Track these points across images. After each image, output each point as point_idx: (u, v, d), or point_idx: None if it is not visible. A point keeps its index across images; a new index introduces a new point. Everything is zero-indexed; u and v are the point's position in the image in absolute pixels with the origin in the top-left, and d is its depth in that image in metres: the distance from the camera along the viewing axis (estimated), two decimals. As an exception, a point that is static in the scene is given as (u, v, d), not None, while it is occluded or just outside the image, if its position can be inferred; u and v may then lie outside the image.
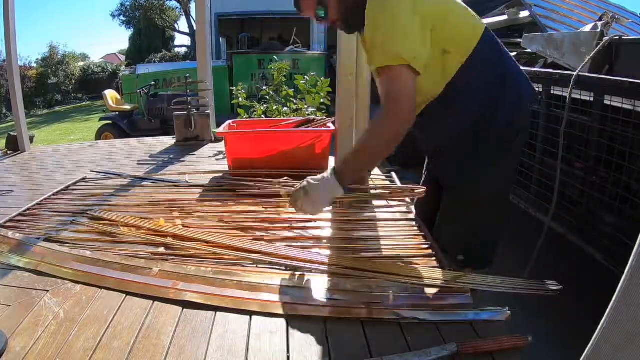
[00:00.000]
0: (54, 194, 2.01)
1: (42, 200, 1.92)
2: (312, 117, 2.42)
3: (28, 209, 1.82)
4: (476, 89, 1.22)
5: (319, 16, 1.25)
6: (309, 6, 1.24)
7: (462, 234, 1.36)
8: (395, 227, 1.57)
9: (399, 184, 2.01)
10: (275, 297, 1.13)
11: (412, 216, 1.64)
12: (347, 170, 1.18)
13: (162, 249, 1.42)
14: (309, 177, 1.20)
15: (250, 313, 1.07)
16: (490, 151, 1.25)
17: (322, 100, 3.27)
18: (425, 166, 1.58)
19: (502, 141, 1.25)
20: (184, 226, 1.58)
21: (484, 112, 1.22)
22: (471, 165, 1.27)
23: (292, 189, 1.23)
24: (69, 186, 2.14)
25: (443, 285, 1.16)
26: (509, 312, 1.03)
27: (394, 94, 1.10)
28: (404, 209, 1.73)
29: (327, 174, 1.17)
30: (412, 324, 1.01)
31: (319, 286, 1.18)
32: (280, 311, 1.07)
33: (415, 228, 1.54)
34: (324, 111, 3.30)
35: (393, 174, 2.17)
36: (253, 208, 1.75)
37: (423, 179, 1.59)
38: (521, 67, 1.32)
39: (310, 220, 1.61)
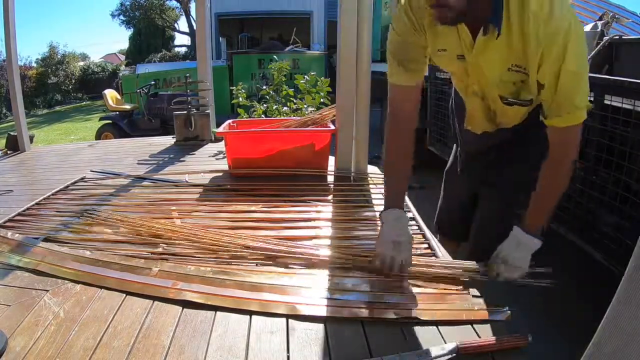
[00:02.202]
0: (53, 194, 2.01)
1: (41, 200, 1.92)
2: (317, 114, 2.40)
3: (27, 209, 1.82)
4: None
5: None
6: None
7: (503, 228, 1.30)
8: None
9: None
10: (276, 297, 1.13)
11: (410, 215, 1.64)
12: (539, 219, 1.13)
13: (162, 248, 1.41)
14: (501, 250, 1.13)
15: (250, 313, 1.07)
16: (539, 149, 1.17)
17: (322, 100, 3.27)
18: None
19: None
20: (180, 226, 1.58)
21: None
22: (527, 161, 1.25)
23: (486, 268, 1.17)
24: (68, 186, 2.14)
25: (440, 280, 1.16)
26: (509, 312, 1.03)
27: (577, 143, 1.07)
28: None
29: (516, 236, 1.11)
30: (412, 324, 1.01)
31: (319, 285, 1.18)
32: (280, 311, 1.07)
33: (415, 227, 1.54)
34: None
35: None
36: (253, 207, 1.75)
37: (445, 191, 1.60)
38: None
39: (306, 219, 1.61)
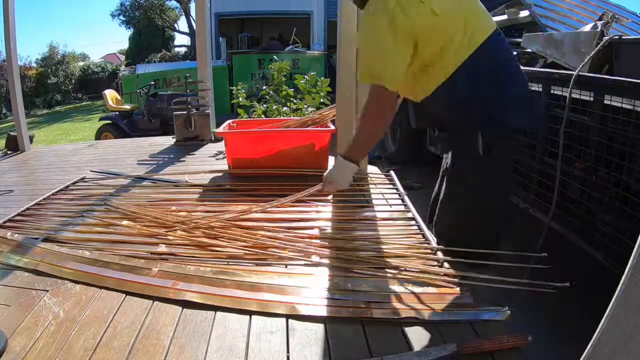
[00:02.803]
0: (52, 194, 2.01)
1: (41, 201, 1.92)
2: (317, 114, 2.40)
3: (27, 209, 1.82)
4: (481, 81, 1.24)
5: None
6: None
7: (478, 228, 1.36)
8: (393, 226, 1.57)
9: (398, 184, 2.01)
10: (275, 297, 1.13)
11: (410, 215, 1.64)
12: (351, 150, 1.42)
13: (161, 247, 1.41)
14: (327, 172, 1.49)
15: (250, 313, 1.07)
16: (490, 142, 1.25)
17: (322, 100, 3.27)
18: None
19: (498, 136, 1.27)
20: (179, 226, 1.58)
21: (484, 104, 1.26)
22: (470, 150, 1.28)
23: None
24: (68, 186, 2.14)
25: (440, 280, 1.16)
26: (509, 312, 1.03)
27: (376, 104, 1.29)
28: (402, 207, 1.73)
29: (339, 161, 1.41)
30: (412, 324, 1.01)
31: (319, 286, 1.18)
32: (280, 311, 1.07)
33: (415, 227, 1.54)
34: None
35: (392, 172, 2.17)
36: (248, 207, 1.74)
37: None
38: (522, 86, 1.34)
39: (306, 219, 1.61)
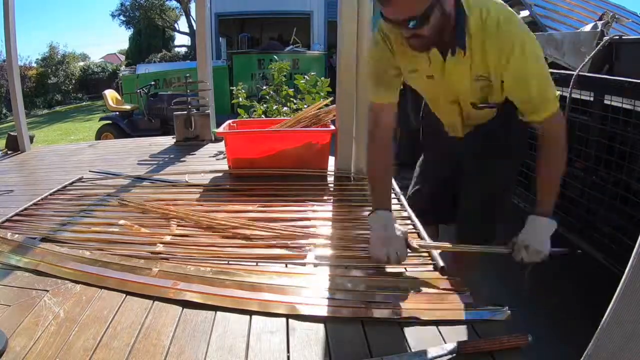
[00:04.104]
0: (51, 194, 2.01)
1: (39, 201, 1.92)
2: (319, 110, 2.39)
3: (25, 209, 1.82)
4: None
5: (413, 26, 1.04)
6: (409, 9, 1.01)
7: (494, 221, 1.46)
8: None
9: (394, 184, 2.00)
10: (275, 297, 1.13)
11: (405, 214, 1.64)
12: (551, 202, 1.25)
13: (160, 247, 1.41)
14: (522, 238, 1.22)
15: (250, 313, 1.07)
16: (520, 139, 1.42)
17: (322, 100, 3.27)
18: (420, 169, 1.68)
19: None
20: (179, 226, 1.58)
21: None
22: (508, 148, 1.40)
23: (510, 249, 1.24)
24: (66, 186, 2.14)
25: (440, 280, 1.16)
26: (509, 311, 1.03)
27: (563, 132, 1.19)
28: (397, 207, 1.73)
29: (533, 222, 1.22)
30: (412, 324, 1.01)
31: (319, 286, 1.18)
32: (281, 311, 1.07)
33: (411, 226, 1.54)
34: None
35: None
36: (251, 207, 1.75)
37: (418, 177, 1.67)
38: None
39: (308, 219, 1.61)
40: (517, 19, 1.12)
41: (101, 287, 1.21)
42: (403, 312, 1.04)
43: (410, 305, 1.07)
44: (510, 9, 1.12)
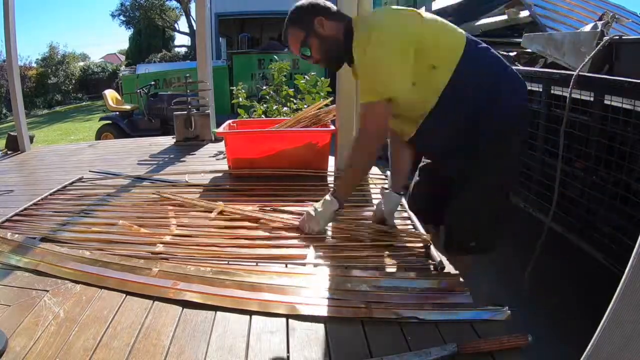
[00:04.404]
0: (50, 194, 2.01)
1: (39, 201, 1.92)
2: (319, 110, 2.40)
3: (25, 209, 1.82)
4: (468, 97, 1.30)
5: (304, 54, 1.40)
6: (294, 44, 1.40)
7: (477, 221, 1.41)
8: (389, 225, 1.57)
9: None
10: (275, 297, 1.13)
11: (405, 214, 1.64)
12: (339, 188, 1.49)
13: (160, 247, 1.41)
14: (309, 209, 1.48)
15: (250, 313, 1.07)
16: (491, 144, 1.30)
17: (321, 101, 3.27)
18: (419, 165, 1.66)
19: (501, 134, 1.31)
20: (179, 226, 1.58)
21: (479, 113, 1.29)
22: (477, 158, 1.33)
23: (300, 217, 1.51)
24: (65, 186, 2.14)
25: (439, 280, 1.16)
26: (509, 311, 1.03)
27: (367, 125, 1.35)
28: (397, 207, 1.73)
29: (326, 196, 1.47)
30: (412, 324, 1.01)
31: (319, 286, 1.18)
32: (281, 311, 1.07)
33: (410, 226, 1.54)
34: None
35: (388, 172, 2.17)
36: (251, 207, 1.75)
37: (418, 176, 1.65)
38: (513, 67, 1.39)
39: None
40: (387, 23, 1.29)
41: (101, 287, 1.21)
42: (403, 312, 1.04)
43: (411, 305, 1.07)
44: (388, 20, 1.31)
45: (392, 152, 1.59)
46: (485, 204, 1.38)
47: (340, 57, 1.42)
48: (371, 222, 1.54)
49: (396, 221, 1.58)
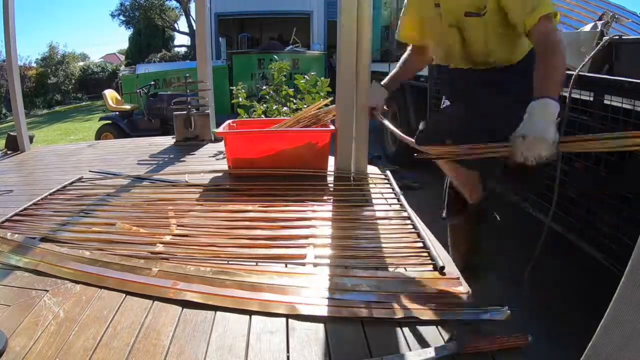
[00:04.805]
0: (50, 194, 2.01)
1: (38, 201, 1.92)
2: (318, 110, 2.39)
3: (25, 209, 1.81)
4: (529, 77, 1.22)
5: None
6: None
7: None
8: (389, 226, 1.57)
9: (394, 184, 2.01)
10: (275, 297, 1.13)
11: (405, 214, 1.64)
12: (551, 86, 1.14)
13: (160, 247, 1.41)
14: (520, 128, 1.08)
15: (250, 313, 1.07)
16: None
17: (321, 101, 3.27)
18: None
19: None
20: (179, 226, 1.58)
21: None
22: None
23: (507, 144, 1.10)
24: (65, 186, 2.14)
25: (440, 280, 1.16)
26: (509, 311, 1.03)
27: (559, 39, 1.20)
28: (397, 207, 1.73)
29: (533, 105, 1.10)
30: (412, 324, 1.01)
31: (319, 286, 1.18)
32: (281, 311, 1.07)
33: (410, 226, 1.54)
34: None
35: (388, 172, 2.17)
36: (250, 207, 1.75)
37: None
38: None
39: (306, 219, 1.61)
40: None
41: (101, 287, 1.21)
42: (403, 312, 1.04)
43: (411, 305, 1.07)
44: None
45: (405, 60, 1.72)
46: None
47: None
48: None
49: (395, 221, 1.58)
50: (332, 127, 2.24)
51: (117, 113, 6.80)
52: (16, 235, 1.54)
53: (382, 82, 1.79)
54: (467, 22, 1.37)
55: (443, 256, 1.31)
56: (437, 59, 1.60)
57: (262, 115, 3.47)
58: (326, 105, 2.40)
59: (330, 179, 2.15)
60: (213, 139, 3.18)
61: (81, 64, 18.13)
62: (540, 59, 1.21)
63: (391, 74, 1.79)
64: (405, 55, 1.75)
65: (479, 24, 1.36)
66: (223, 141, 2.35)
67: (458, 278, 1.19)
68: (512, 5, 1.26)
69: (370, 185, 2.03)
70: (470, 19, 1.36)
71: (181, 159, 2.71)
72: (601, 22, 2.29)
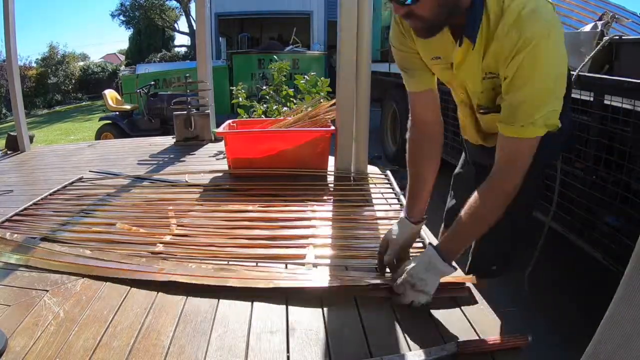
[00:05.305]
0: (50, 194, 2.01)
1: (38, 201, 1.92)
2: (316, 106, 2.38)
3: (25, 209, 1.81)
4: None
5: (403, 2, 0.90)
6: None
7: (498, 245, 1.31)
8: (389, 226, 1.56)
9: (394, 184, 2.01)
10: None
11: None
12: (456, 246, 1.04)
13: (160, 247, 1.41)
14: (408, 266, 1.05)
15: (250, 313, 1.07)
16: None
17: (321, 101, 3.27)
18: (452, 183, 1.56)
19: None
20: (179, 226, 1.58)
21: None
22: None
23: (394, 283, 1.07)
24: (65, 186, 2.14)
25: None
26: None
27: (520, 163, 0.97)
28: (397, 207, 1.73)
29: (428, 255, 1.03)
30: (412, 324, 1.01)
31: (319, 286, 1.17)
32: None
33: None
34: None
35: (388, 172, 2.17)
36: (250, 207, 1.75)
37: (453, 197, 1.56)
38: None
39: (306, 219, 1.61)
40: (546, 11, 0.89)
41: (101, 287, 1.21)
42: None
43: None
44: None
45: (414, 169, 1.20)
46: (509, 226, 1.15)
47: (460, 26, 0.97)
48: (376, 265, 1.23)
49: (395, 221, 1.50)
50: (332, 127, 2.24)
51: (117, 113, 6.80)
52: (16, 235, 1.54)
53: (404, 213, 1.21)
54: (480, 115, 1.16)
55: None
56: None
57: (262, 115, 3.47)
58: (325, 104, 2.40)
59: (330, 179, 2.15)
60: (213, 139, 3.18)
61: (81, 64, 18.13)
62: (484, 186, 1.00)
63: (409, 200, 1.21)
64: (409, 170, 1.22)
65: (488, 118, 1.14)
66: (223, 141, 2.35)
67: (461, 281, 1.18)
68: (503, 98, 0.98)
69: (370, 185, 2.03)
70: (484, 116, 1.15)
71: (181, 159, 2.71)
72: (601, 22, 2.29)
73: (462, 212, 1.02)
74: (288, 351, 0.94)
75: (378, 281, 1.16)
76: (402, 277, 1.05)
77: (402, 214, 1.20)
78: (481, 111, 1.12)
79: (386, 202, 1.82)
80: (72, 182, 2.20)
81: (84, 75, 17.39)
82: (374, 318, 1.04)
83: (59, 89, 16.30)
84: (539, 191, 1.41)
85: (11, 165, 2.91)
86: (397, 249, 1.16)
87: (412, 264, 1.05)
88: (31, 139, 3.37)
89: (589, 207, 1.90)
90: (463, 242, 1.06)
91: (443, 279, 1.05)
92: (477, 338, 0.95)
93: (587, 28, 2.33)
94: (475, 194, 1.01)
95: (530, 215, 1.37)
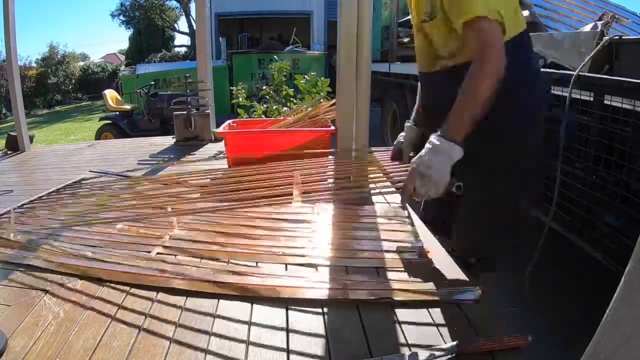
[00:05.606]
0: (50, 194, 2.01)
1: (37, 200, 1.92)
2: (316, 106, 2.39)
3: (22, 205, 1.81)
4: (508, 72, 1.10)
5: None
6: None
7: (477, 234, 1.35)
8: (389, 225, 1.57)
9: None
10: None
11: (405, 214, 1.64)
12: (457, 126, 1.05)
13: (160, 247, 1.41)
14: (415, 158, 1.07)
15: (250, 312, 1.07)
16: (516, 132, 1.19)
17: (321, 101, 3.27)
18: None
19: (528, 120, 1.23)
20: (179, 226, 1.58)
21: (511, 95, 1.12)
22: (494, 141, 1.16)
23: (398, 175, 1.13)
24: (65, 186, 2.14)
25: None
26: (480, 291, 1.05)
27: (490, 43, 1.05)
28: (397, 206, 1.73)
29: (434, 141, 1.05)
30: (412, 324, 1.01)
31: (319, 286, 1.17)
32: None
33: (409, 226, 1.54)
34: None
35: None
36: (250, 207, 1.74)
37: None
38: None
39: (305, 222, 1.61)
40: None
41: (101, 287, 1.20)
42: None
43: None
44: None
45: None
46: (488, 214, 1.22)
47: None
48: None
49: (395, 221, 1.57)
50: (332, 127, 2.24)
51: (117, 113, 6.80)
52: (15, 235, 1.54)
53: (410, 121, 1.49)
54: (425, 27, 1.27)
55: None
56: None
57: (262, 115, 3.47)
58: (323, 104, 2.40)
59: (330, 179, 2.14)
60: (213, 139, 3.18)
61: (81, 64, 18.14)
62: (470, 70, 1.07)
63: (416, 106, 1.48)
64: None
65: (434, 28, 1.24)
66: (223, 141, 2.35)
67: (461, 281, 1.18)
68: (449, 7, 1.14)
69: (370, 185, 2.02)
70: (425, 25, 1.26)
71: (181, 159, 2.71)
72: (601, 22, 2.29)
73: (459, 93, 1.07)
74: (288, 351, 0.94)
75: (379, 291, 1.14)
76: (410, 167, 1.07)
77: (407, 124, 1.44)
78: (425, 19, 1.23)
79: (386, 202, 1.82)
80: (72, 182, 2.20)
81: (84, 75, 17.39)
82: (374, 318, 1.04)
83: (59, 89, 16.31)
84: (534, 181, 1.43)
85: (11, 165, 2.91)
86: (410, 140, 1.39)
87: (418, 157, 1.08)
88: (31, 139, 3.37)
89: (589, 207, 1.90)
90: (459, 118, 1.06)
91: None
92: (477, 338, 0.95)
93: (587, 28, 2.33)
94: (466, 77, 1.07)
95: (517, 206, 1.33)
